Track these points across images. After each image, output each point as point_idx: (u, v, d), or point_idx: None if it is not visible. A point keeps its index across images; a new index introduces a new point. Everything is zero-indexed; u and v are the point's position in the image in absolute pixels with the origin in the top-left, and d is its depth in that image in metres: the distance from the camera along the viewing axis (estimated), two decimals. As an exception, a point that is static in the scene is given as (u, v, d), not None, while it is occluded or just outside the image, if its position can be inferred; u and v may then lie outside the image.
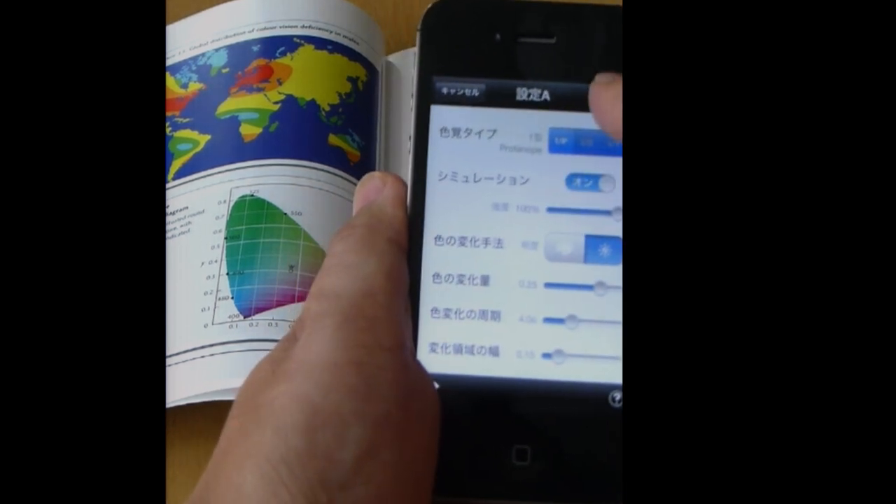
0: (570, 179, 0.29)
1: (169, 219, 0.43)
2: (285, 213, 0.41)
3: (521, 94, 0.29)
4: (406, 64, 0.48)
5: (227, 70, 0.46)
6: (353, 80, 0.46)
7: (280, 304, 0.39)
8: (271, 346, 0.27)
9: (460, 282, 0.28)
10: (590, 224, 0.28)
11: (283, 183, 0.42)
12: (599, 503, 0.26)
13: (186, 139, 0.45)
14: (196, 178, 0.43)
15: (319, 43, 0.46)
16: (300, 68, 0.45)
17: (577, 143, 0.29)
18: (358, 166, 0.44)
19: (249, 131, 0.44)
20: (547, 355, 0.27)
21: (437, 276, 0.28)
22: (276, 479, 0.22)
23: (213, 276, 0.40)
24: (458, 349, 0.27)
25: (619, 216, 0.28)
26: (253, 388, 0.24)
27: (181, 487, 0.38)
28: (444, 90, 0.29)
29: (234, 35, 0.47)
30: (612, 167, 0.29)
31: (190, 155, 0.44)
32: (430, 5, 0.30)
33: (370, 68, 0.47)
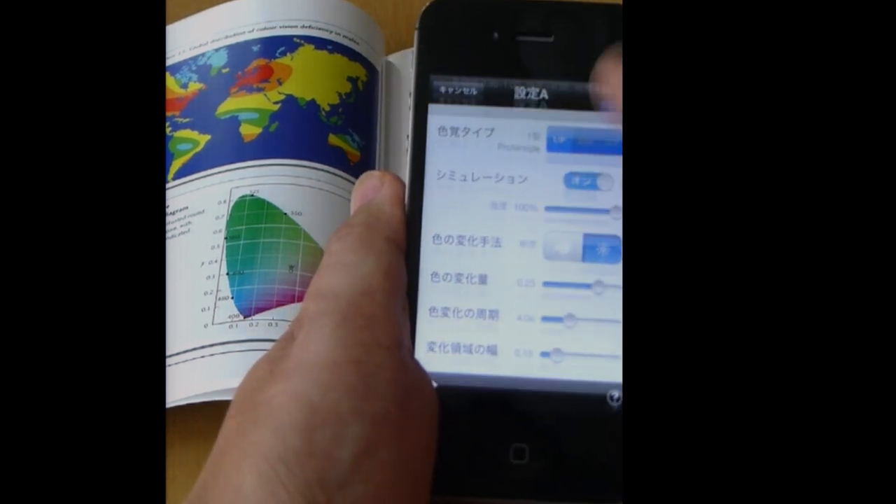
0: (569, 178, 0.29)
1: (169, 219, 0.43)
2: (285, 213, 0.41)
3: (519, 93, 0.29)
4: (406, 64, 0.48)
5: (227, 70, 0.46)
6: (353, 80, 0.46)
7: (280, 304, 0.39)
8: (271, 346, 0.27)
9: (458, 281, 0.28)
10: (588, 223, 0.28)
11: (283, 183, 0.42)
12: (597, 502, 0.26)
13: (186, 139, 0.45)
14: (196, 178, 0.43)
15: (319, 43, 0.46)
16: (300, 68, 0.45)
17: (576, 143, 0.29)
18: (358, 166, 0.44)
19: (249, 131, 0.44)
20: (545, 354, 0.27)
21: (434, 275, 0.28)
22: (275, 478, 0.22)
23: (213, 276, 0.40)
24: (457, 348, 0.27)
25: (618, 215, 0.28)
26: (251, 388, 0.24)
27: (181, 487, 0.38)
28: (442, 89, 0.29)
29: (234, 35, 0.47)
30: (610, 166, 0.29)
31: (190, 155, 0.44)
32: (427, 4, 0.30)
33: (370, 68, 0.47)
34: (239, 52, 0.46)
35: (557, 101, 0.29)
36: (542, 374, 0.27)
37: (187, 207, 0.43)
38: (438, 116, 0.29)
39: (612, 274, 0.28)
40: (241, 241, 0.41)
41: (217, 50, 0.47)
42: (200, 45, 0.48)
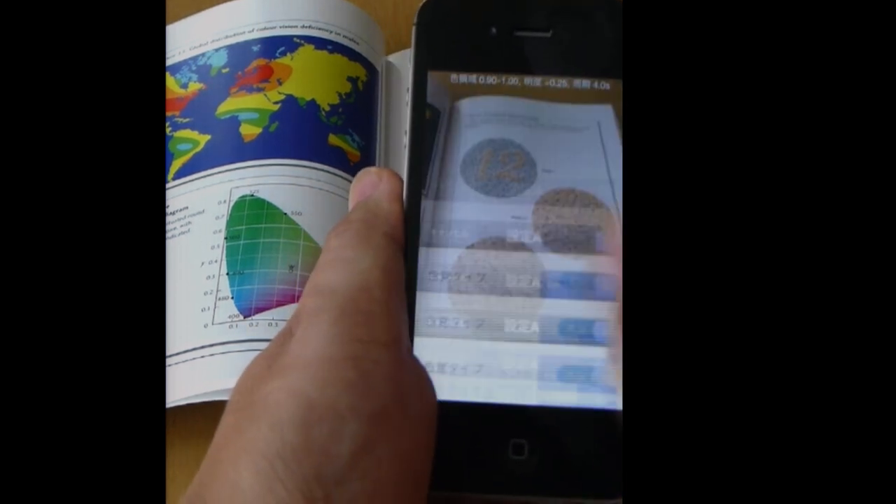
0: None
1: (169, 219, 0.43)
2: (285, 213, 0.41)
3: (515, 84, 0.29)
4: (406, 64, 0.48)
5: (227, 70, 0.46)
6: (353, 80, 0.46)
7: (280, 304, 0.39)
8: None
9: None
10: None
11: (283, 183, 0.42)
12: (597, 497, 0.26)
13: (186, 139, 0.45)
14: (196, 178, 0.43)
15: (319, 43, 0.46)
16: (300, 68, 0.45)
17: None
18: (358, 166, 0.44)
19: (249, 131, 0.44)
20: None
21: (432, 273, 0.28)
22: (272, 474, 0.22)
23: (213, 276, 0.40)
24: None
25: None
26: (248, 384, 0.24)
27: (181, 487, 0.38)
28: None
29: (234, 35, 0.47)
30: None
31: (190, 155, 0.44)
32: (425, 0, 0.30)
33: (370, 68, 0.47)
34: (239, 52, 0.46)
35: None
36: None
37: (187, 207, 0.43)
38: None
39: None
40: (241, 241, 0.41)
41: (217, 50, 0.47)
42: (200, 45, 0.48)
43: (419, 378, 0.26)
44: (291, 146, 0.43)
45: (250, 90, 0.45)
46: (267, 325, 0.39)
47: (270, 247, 0.40)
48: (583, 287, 0.28)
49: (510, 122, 0.30)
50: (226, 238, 0.41)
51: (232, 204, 0.42)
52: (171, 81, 0.47)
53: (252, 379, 0.24)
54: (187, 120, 0.45)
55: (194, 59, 0.47)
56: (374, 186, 0.29)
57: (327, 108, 0.44)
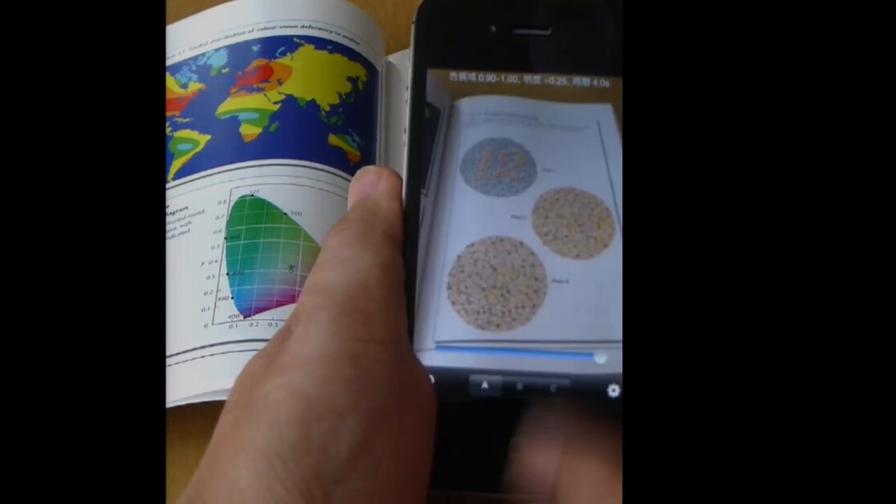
0: None
1: (169, 219, 0.43)
2: (285, 213, 0.41)
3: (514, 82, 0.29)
4: (406, 63, 0.48)
5: (227, 70, 0.46)
6: (353, 80, 0.46)
7: (280, 304, 0.39)
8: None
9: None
10: None
11: (283, 183, 0.42)
12: None
13: (186, 139, 0.45)
14: (196, 178, 0.43)
15: (319, 43, 0.46)
16: (300, 68, 0.45)
17: None
18: (358, 166, 0.44)
19: (249, 131, 0.44)
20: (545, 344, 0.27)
21: (431, 272, 0.28)
22: (271, 473, 0.22)
23: (213, 276, 0.40)
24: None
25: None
26: (247, 383, 0.24)
27: (181, 487, 0.38)
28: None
29: (234, 35, 0.47)
30: None
31: (190, 155, 0.44)
32: None
33: (370, 68, 0.47)
34: (239, 52, 0.46)
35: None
36: (541, 367, 0.27)
37: (187, 207, 0.43)
38: None
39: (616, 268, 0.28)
40: (241, 241, 0.41)
41: (217, 50, 0.47)
42: (200, 45, 0.48)
43: (418, 376, 0.26)
44: (291, 146, 0.43)
45: (250, 90, 0.45)
46: (267, 325, 0.39)
47: (270, 247, 0.40)
48: (582, 286, 0.28)
49: (510, 121, 0.30)
50: (226, 238, 0.41)
51: (232, 204, 0.42)
52: (171, 81, 0.47)
53: (251, 377, 0.24)
54: (187, 120, 0.45)
55: (194, 59, 0.47)
56: (374, 185, 0.29)
57: (327, 108, 0.45)
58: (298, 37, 0.46)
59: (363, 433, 0.23)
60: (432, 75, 0.30)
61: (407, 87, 0.30)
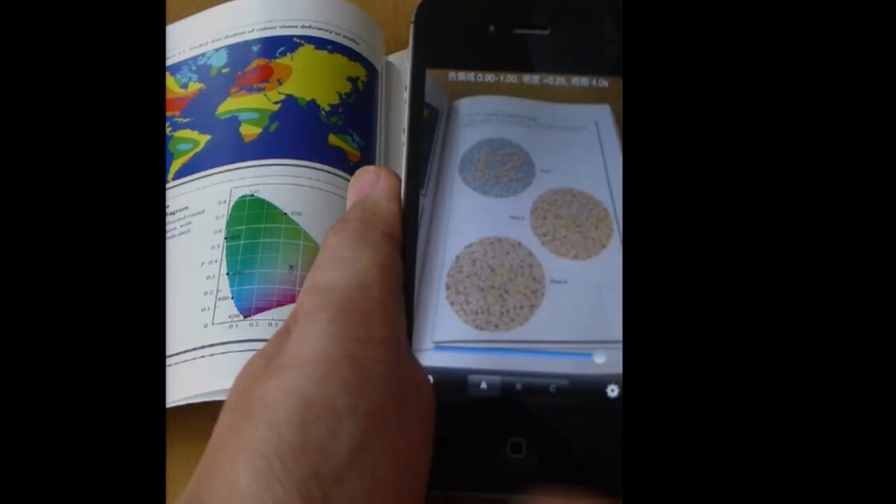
0: None
1: (169, 219, 0.43)
2: (285, 213, 0.41)
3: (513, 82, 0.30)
4: (406, 64, 0.48)
5: (227, 70, 0.46)
6: (353, 80, 0.46)
7: (280, 304, 0.39)
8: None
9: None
10: None
11: (283, 183, 0.42)
12: (596, 496, 0.26)
13: (186, 139, 0.45)
14: (196, 178, 0.43)
15: (319, 43, 0.46)
16: (300, 68, 0.45)
17: None
18: (358, 166, 0.44)
19: (249, 131, 0.44)
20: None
21: (430, 272, 0.28)
22: (270, 473, 0.22)
23: (213, 276, 0.40)
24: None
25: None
26: (246, 383, 0.24)
27: (181, 487, 0.38)
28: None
29: (234, 35, 0.47)
30: None
31: (190, 155, 0.44)
32: None
33: (370, 68, 0.47)
34: (239, 52, 0.46)
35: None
36: (541, 367, 0.27)
37: (187, 207, 0.43)
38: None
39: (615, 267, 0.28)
40: (241, 241, 0.41)
41: (217, 50, 0.47)
42: (200, 45, 0.48)
43: (417, 376, 0.26)
44: (291, 146, 0.43)
45: (250, 90, 0.45)
46: (267, 325, 0.39)
47: (270, 247, 0.40)
48: (581, 287, 0.28)
49: (508, 121, 0.30)
50: (226, 238, 0.41)
51: (232, 204, 0.42)
52: (171, 81, 0.47)
53: (249, 378, 0.24)
54: (187, 120, 0.45)
55: (194, 59, 0.47)
56: (373, 185, 0.29)
57: (327, 108, 0.45)
58: (298, 37, 0.46)
59: (362, 433, 0.23)
60: (431, 75, 0.30)
61: (406, 88, 0.30)
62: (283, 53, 0.46)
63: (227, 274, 0.40)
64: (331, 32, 0.47)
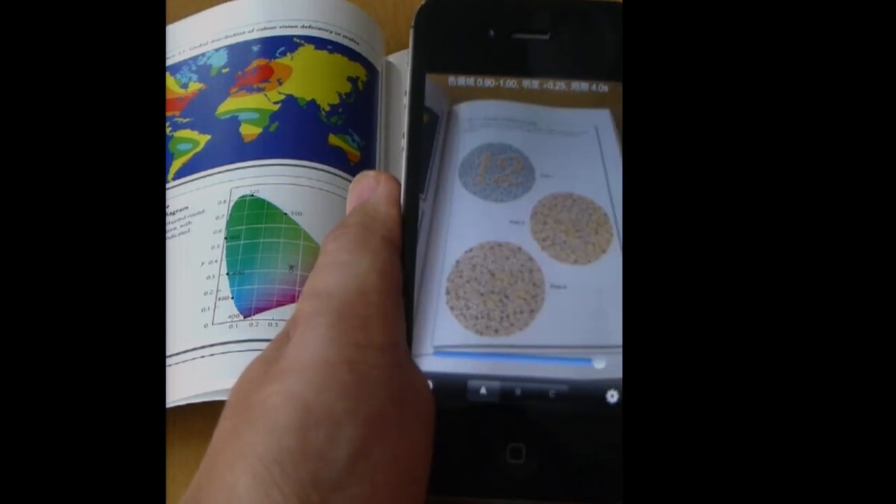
0: None
1: (169, 219, 0.43)
2: (285, 213, 0.41)
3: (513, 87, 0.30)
4: (406, 64, 0.48)
5: (227, 70, 0.46)
6: (353, 80, 0.46)
7: (280, 304, 0.39)
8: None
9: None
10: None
11: (283, 183, 0.42)
12: (596, 502, 0.26)
13: (186, 139, 0.45)
14: (196, 178, 0.43)
15: (319, 43, 0.46)
16: (300, 68, 0.45)
17: None
18: (358, 166, 0.44)
19: (249, 131, 0.44)
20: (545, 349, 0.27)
21: (429, 277, 0.28)
22: (269, 479, 0.22)
23: (213, 276, 0.40)
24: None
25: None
26: (245, 388, 0.24)
27: (181, 487, 0.38)
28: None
29: (234, 35, 0.47)
30: None
31: (190, 155, 0.44)
32: (423, 2, 0.30)
33: (370, 68, 0.47)
34: (239, 52, 0.46)
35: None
36: (541, 372, 0.27)
37: (187, 207, 0.43)
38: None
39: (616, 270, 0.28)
40: (241, 241, 0.41)
41: (217, 50, 0.47)
42: (200, 45, 0.48)
43: (416, 382, 0.26)
44: (291, 146, 0.43)
45: (250, 90, 0.45)
46: (267, 325, 0.39)
47: (270, 247, 0.40)
48: (580, 292, 0.28)
49: (508, 126, 0.30)
50: (226, 238, 0.41)
51: (232, 204, 0.42)
52: (171, 81, 0.47)
53: (249, 383, 0.24)
54: (187, 120, 0.45)
55: (194, 59, 0.47)
56: (372, 190, 0.29)
57: (327, 108, 0.45)
58: (298, 37, 0.46)
59: (361, 439, 0.23)
60: (431, 80, 0.30)
61: (406, 92, 0.30)
62: (283, 53, 0.46)
63: (227, 274, 0.40)
64: (331, 32, 0.47)
